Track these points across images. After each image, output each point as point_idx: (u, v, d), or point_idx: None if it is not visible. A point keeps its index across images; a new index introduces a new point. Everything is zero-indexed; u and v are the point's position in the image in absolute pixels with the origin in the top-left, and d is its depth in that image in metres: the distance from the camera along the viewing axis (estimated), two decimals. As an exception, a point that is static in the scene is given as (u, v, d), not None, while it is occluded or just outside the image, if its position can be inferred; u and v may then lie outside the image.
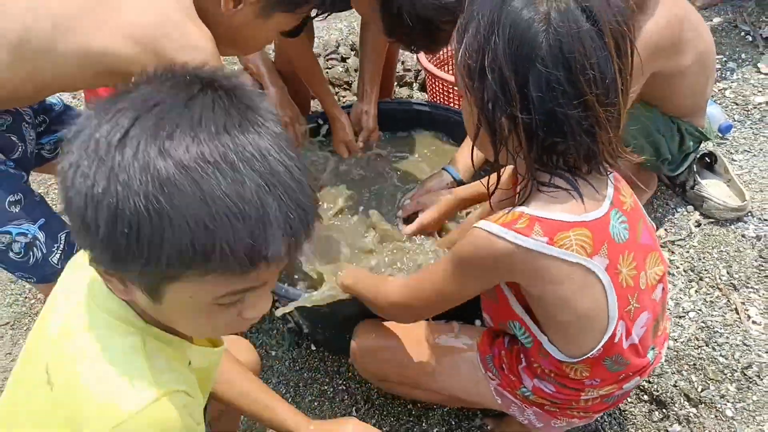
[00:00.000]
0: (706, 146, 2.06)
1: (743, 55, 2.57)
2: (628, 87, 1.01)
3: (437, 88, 2.28)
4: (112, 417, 0.75)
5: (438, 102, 2.27)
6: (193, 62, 0.76)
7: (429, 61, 2.30)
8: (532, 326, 1.16)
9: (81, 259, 0.86)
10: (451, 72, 2.38)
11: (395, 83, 2.57)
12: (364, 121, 1.94)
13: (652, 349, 1.22)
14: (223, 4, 1.25)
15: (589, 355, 1.12)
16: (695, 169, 2.01)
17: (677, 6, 1.66)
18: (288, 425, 1.15)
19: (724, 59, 2.56)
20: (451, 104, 2.22)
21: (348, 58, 2.82)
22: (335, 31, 3.06)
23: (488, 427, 1.57)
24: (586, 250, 1.02)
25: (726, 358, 1.63)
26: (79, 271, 0.85)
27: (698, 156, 2.03)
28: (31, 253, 1.34)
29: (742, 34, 2.67)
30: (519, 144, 1.02)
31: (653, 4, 1.61)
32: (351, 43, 2.89)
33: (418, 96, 2.62)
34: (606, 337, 1.09)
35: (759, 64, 2.51)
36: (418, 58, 2.39)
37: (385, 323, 1.42)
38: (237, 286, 0.72)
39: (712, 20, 2.75)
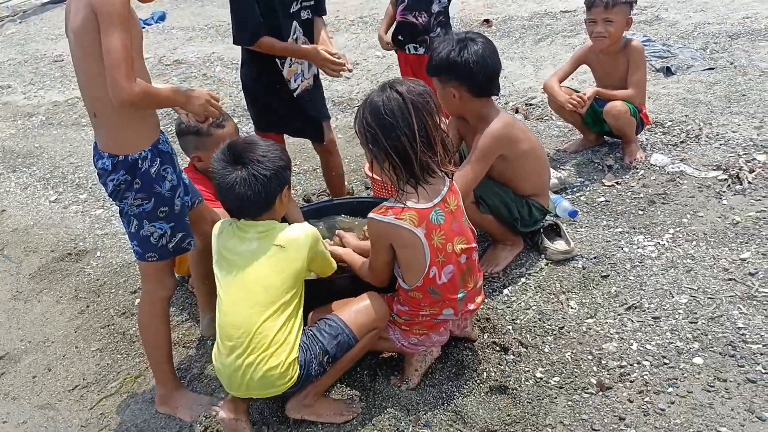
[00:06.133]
0: (556, 220, 3.15)
1: (594, 176, 3.77)
2: (435, 133, 2.10)
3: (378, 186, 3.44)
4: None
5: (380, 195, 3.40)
6: None
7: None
8: (399, 271, 2.21)
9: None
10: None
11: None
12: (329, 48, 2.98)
13: (462, 292, 2.23)
14: None
15: (418, 283, 2.14)
16: (542, 232, 3.08)
17: (509, 117, 2.86)
18: None
19: (582, 179, 3.75)
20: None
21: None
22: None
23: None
24: (413, 223, 2.08)
25: (551, 326, 2.58)
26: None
27: (548, 225, 3.11)
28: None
29: (595, 164, 3.90)
30: (394, 169, 2.12)
31: (495, 115, 2.80)
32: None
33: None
34: (424, 273, 2.14)
35: (603, 180, 3.69)
36: (365, 171, 3.57)
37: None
38: None
39: (577, 158, 4.00)
